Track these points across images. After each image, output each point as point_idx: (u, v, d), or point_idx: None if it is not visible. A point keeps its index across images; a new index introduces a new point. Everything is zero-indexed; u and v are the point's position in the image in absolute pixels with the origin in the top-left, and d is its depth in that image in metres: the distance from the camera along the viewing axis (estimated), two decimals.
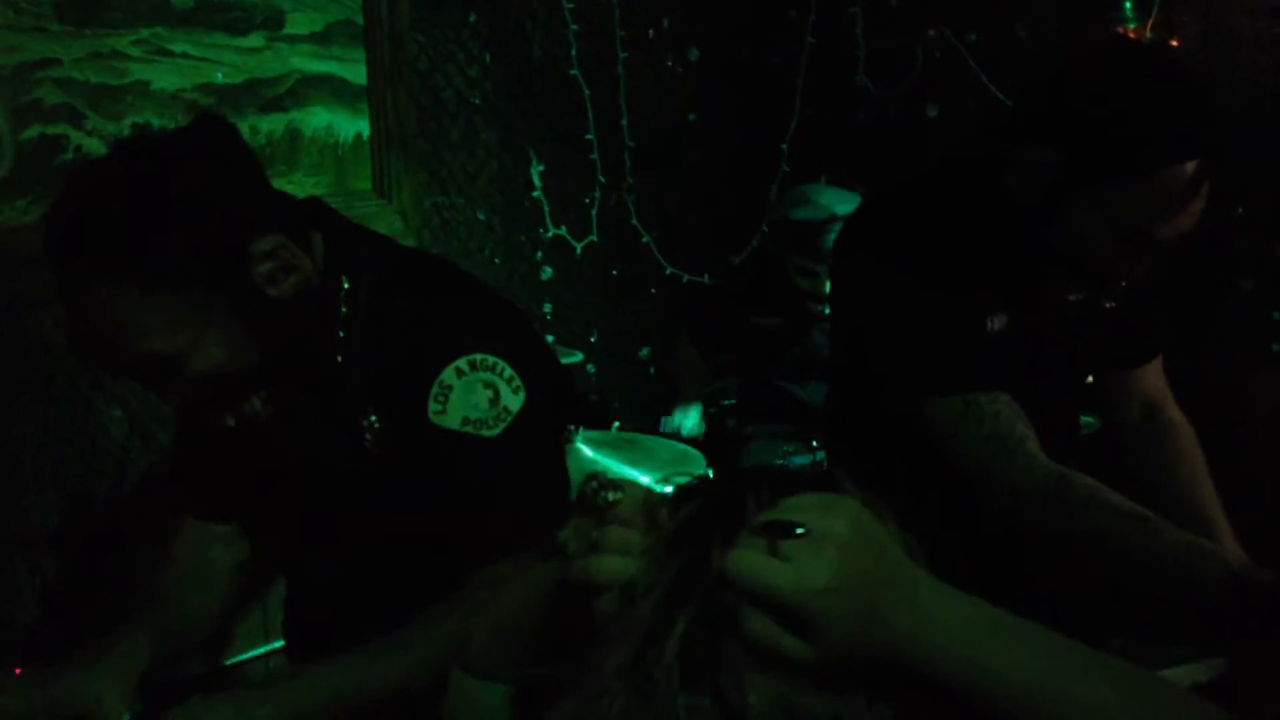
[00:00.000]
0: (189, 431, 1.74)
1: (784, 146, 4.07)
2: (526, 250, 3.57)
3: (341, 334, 1.52)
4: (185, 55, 2.73)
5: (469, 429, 1.47)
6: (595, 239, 3.72)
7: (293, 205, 1.53)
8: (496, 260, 3.49)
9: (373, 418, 1.52)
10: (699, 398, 3.42)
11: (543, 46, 3.50)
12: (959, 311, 1.66)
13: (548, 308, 3.65)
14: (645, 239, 3.86)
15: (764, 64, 4.07)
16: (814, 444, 2.91)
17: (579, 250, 3.69)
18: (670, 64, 3.86)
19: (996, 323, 1.68)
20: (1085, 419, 2.04)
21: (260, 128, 2.85)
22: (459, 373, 1.48)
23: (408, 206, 3.15)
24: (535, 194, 3.56)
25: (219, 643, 2.56)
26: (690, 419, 3.32)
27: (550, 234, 3.61)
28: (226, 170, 1.42)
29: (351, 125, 3.02)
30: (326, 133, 2.98)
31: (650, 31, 3.79)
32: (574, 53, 3.56)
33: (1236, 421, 2.98)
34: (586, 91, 3.61)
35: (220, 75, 2.78)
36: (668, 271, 3.93)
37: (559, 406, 1.67)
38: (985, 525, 1.62)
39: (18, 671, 1.69)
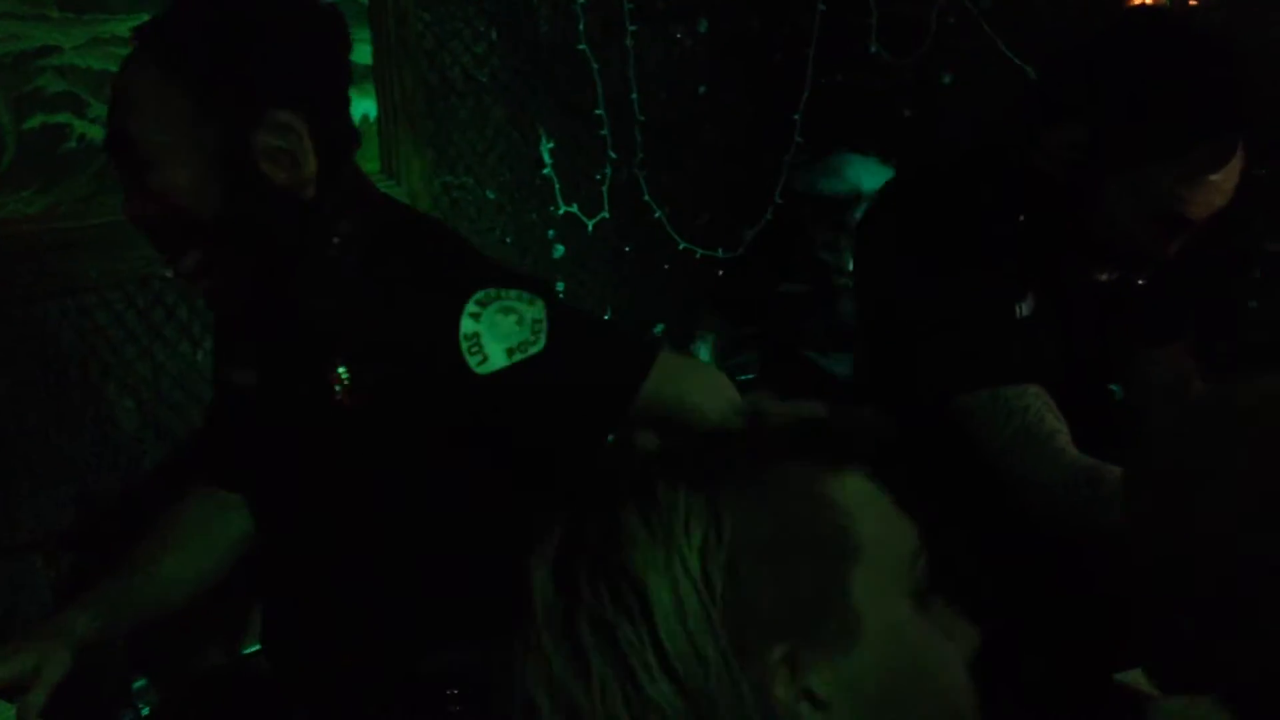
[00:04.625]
0: (220, 389, 1.72)
1: (797, 117, 4.01)
2: (538, 229, 3.53)
3: (319, 284, 1.49)
4: None
5: (519, 356, 1.44)
6: (607, 216, 3.68)
7: (348, 133, 1.54)
8: (508, 240, 3.45)
9: (341, 370, 1.49)
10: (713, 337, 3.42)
11: (550, 21, 3.45)
12: (986, 300, 1.63)
13: (561, 286, 3.61)
14: (658, 214, 3.81)
15: (775, 34, 4.01)
16: None
17: (590, 227, 3.65)
18: (680, 36, 3.80)
19: (1025, 307, 1.65)
20: (1112, 387, 2.01)
21: None
22: (475, 318, 1.45)
23: (417, 187, 3.11)
24: (546, 171, 3.51)
25: (237, 631, 2.55)
26: (703, 352, 3.32)
27: (562, 211, 3.57)
28: (298, 37, 1.46)
29: (358, 106, 2.94)
30: None
31: (659, 3, 3.73)
32: (582, 27, 3.50)
33: None
34: (595, 66, 3.55)
35: None
36: (681, 247, 3.88)
37: None
38: (1019, 513, 1.59)
39: None
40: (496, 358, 1.43)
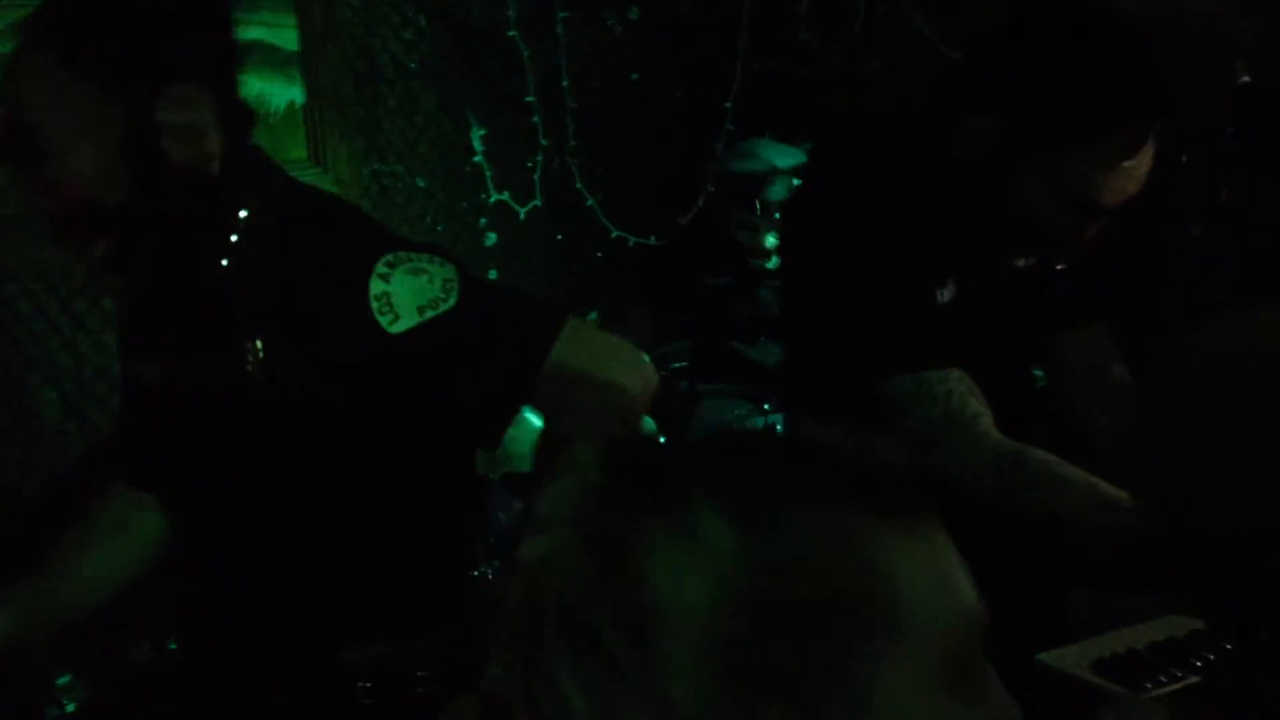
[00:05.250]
0: (129, 387, 1.68)
1: (728, 105, 4.02)
2: (469, 217, 3.51)
3: (229, 259, 1.47)
4: None
5: (431, 313, 1.43)
6: (539, 203, 3.66)
7: (246, 110, 1.50)
8: (439, 228, 3.42)
9: (258, 343, 1.47)
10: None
11: (480, 8, 3.43)
12: (909, 286, 1.64)
13: (493, 274, 3.59)
14: (590, 202, 3.80)
15: (705, 21, 4.01)
16: (766, 406, 2.89)
17: (523, 215, 3.63)
18: (611, 23, 3.79)
19: (946, 293, 1.67)
20: (1035, 371, 2.04)
21: None
22: (384, 278, 1.43)
23: (345, 175, 3.08)
24: (476, 159, 3.49)
25: (164, 625, 2.52)
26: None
27: (493, 199, 3.55)
28: (193, 9, 1.42)
29: (284, 93, 2.95)
30: (258, 101, 2.89)
31: None
32: (512, 13, 3.48)
33: None
34: (526, 53, 3.53)
35: None
36: (613, 234, 3.88)
37: None
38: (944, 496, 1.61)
39: None
40: (408, 315, 1.41)
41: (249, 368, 1.46)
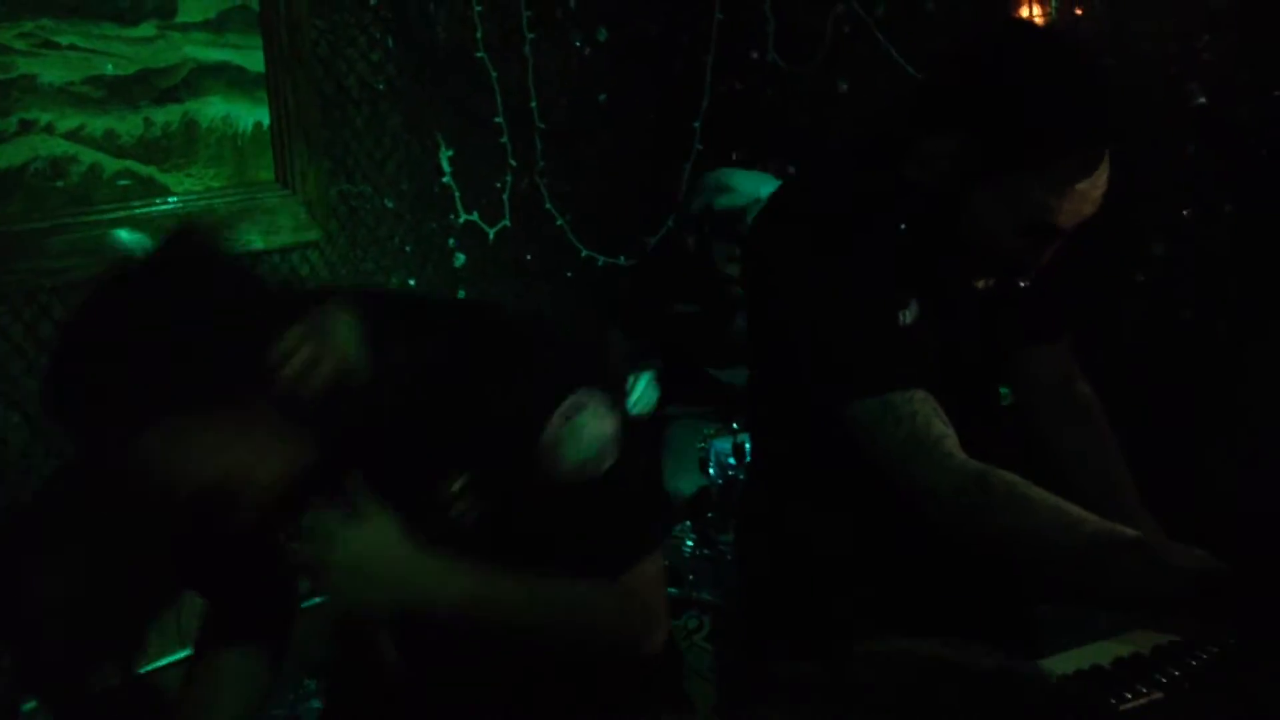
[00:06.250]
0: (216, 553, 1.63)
1: (696, 125, 4.04)
2: (438, 238, 3.51)
3: (396, 407, 1.42)
4: (73, 47, 2.64)
5: (585, 473, 1.43)
6: (508, 224, 3.67)
7: (296, 295, 1.45)
8: (408, 249, 3.42)
9: (454, 485, 1.44)
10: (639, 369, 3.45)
11: (446, 28, 3.44)
12: (872, 308, 1.64)
13: (461, 294, 3.59)
14: (559, 222, 3.81)
15: (674, 42, 4.03)
16: (734, 425, 2.90)
17: (492, 236, 3.64)
18: (579, 44, 3.81)
19: (909, 314, 1.67)
20: (1001, 389, 2.05)
21: (155, 120, 2.77)
22: (558, 430, 1.42)
23: (313, 196, 3.08)
24: (445, 180, 3.49)
25: (132, 651, 2.50)
26: (640, 385, 3.35)
27: (462, 220, 3.55)
28: (226, 284, 1.36)
29: (251, 114, 2.95)
30: (225, 123, 2.90)
31: (557, 11, 3.73)
32: (479, 34, 3.49)
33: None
34: (493, 73, 3.55)
35: (110, 67, 2.69)
36: (583, 255, 3.89)
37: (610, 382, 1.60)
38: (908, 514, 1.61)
39: None
40: (565, 468, 1.41)
41: (450, 508, 1.43)
